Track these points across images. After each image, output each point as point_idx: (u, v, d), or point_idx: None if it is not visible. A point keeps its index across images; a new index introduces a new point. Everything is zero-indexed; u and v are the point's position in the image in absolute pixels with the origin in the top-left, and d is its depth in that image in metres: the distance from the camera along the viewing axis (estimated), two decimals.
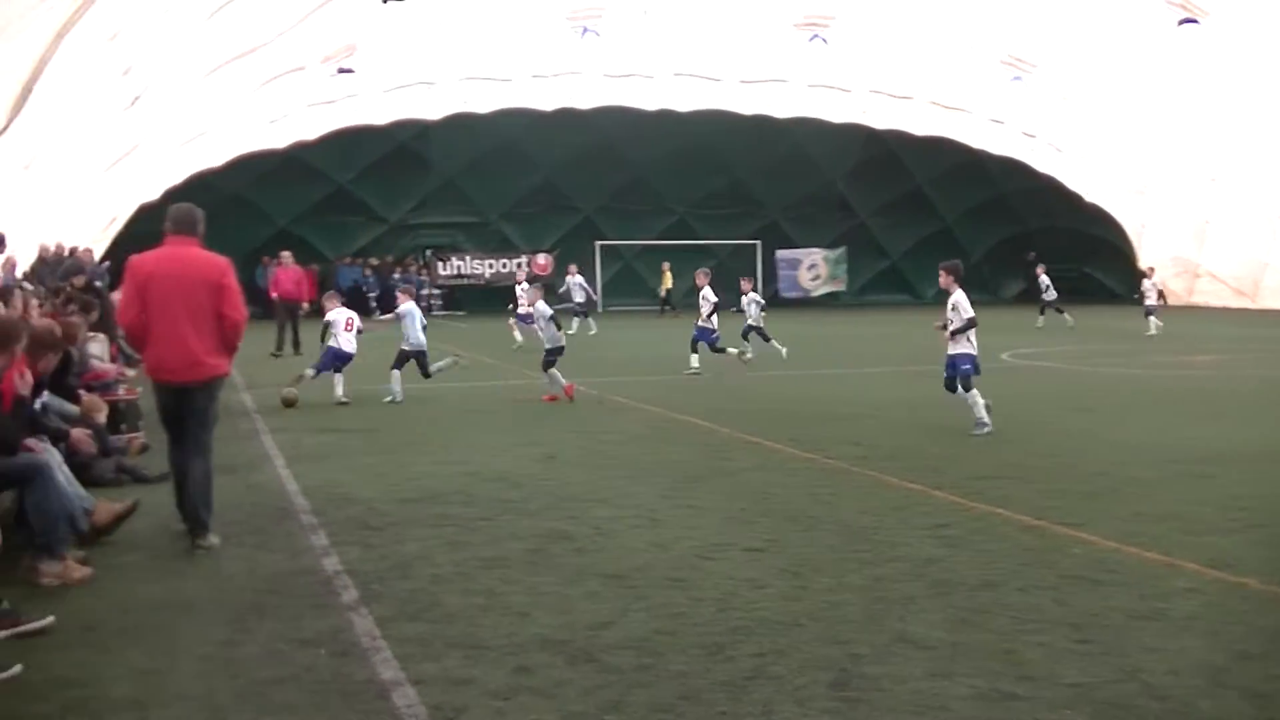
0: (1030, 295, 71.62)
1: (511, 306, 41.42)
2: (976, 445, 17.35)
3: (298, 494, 14.10)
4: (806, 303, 66.13)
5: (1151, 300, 43.78)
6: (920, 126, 66.17)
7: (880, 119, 65.59)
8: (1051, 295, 47.19)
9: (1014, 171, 68.58)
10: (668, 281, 61.89)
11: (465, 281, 64.23)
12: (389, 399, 24.01)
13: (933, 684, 7.59)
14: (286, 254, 39.71)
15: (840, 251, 68.83)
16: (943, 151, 67.59)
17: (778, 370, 29.53)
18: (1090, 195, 67.77)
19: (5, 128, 23.98)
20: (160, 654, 8.40)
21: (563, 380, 23.70)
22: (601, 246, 65.59)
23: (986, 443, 17.56)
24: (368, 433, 19.41)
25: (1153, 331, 41.54)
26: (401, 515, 12.81)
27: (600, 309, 63.51)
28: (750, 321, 32.62)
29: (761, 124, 64.97)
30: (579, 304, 45.52)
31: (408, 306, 25.41)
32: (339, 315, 25.29)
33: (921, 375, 26.41)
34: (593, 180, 65.95)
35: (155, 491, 13.36)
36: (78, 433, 12.42)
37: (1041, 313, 46.99)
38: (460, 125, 61.46)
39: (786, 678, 7.73)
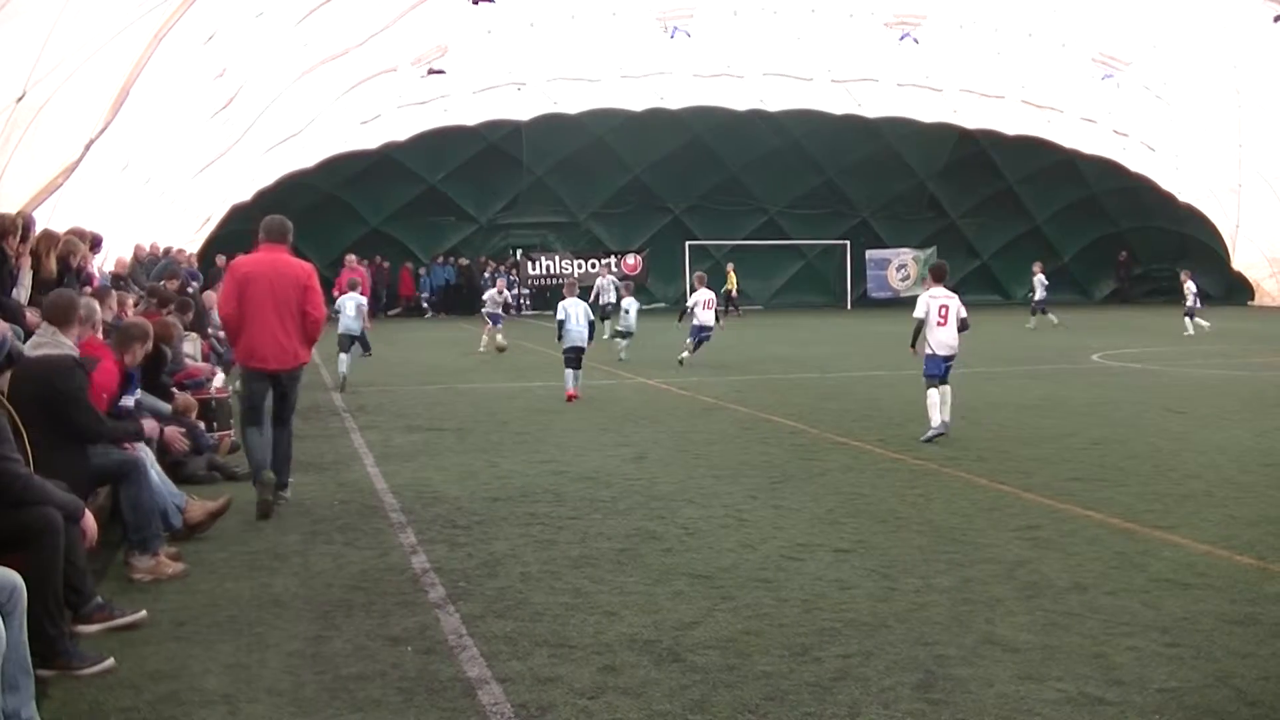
0: (1120, 295, 71.41)
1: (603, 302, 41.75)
2: (1069, 447, 17.19)
3: (386, 492, 14.19)
4: (895, 303, 65.75)
5: (1190, 301, 43.62)
6: (1011, 126, 65.70)
7: (971, 118, 65.19)
8: (1040, 295, 46.85)
9: (1106, 171, 67.90)
10: (732, 282, 62.07)
11: (555, 281, 64.40)
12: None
13: (1020, 687, 7.53)
14: (351, 256, 40.57)
15: (930, 252, 68.32)
16: (1034, 151, 67.03)
17: (865, 371, 29.41)
18: (1184, 195, 66.99)
19: (104, 129, 24.24)
20: (250, 649, 8.48)
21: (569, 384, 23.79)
22: (691, 246, 65.52)
23: (1079, 445, 17.40)
24: (457, 431, 19.49)
25: (1191, 332, 41.42)
26: (489, 514, 12.86)
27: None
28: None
29: (852, 123, 64.74)
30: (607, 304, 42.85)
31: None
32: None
33: (1011, 376, 26.23)
34: (682, 180, 65.90)
35: (247, 489, 13.46)
36: (171, 430, 12.55)
37: (1033, 313, 46.68)
38: (550, 125, 61.65)
39: (872, 679, 7.70)
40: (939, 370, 18.58)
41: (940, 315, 18.79)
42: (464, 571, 10.43)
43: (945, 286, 19.36)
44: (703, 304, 31.95)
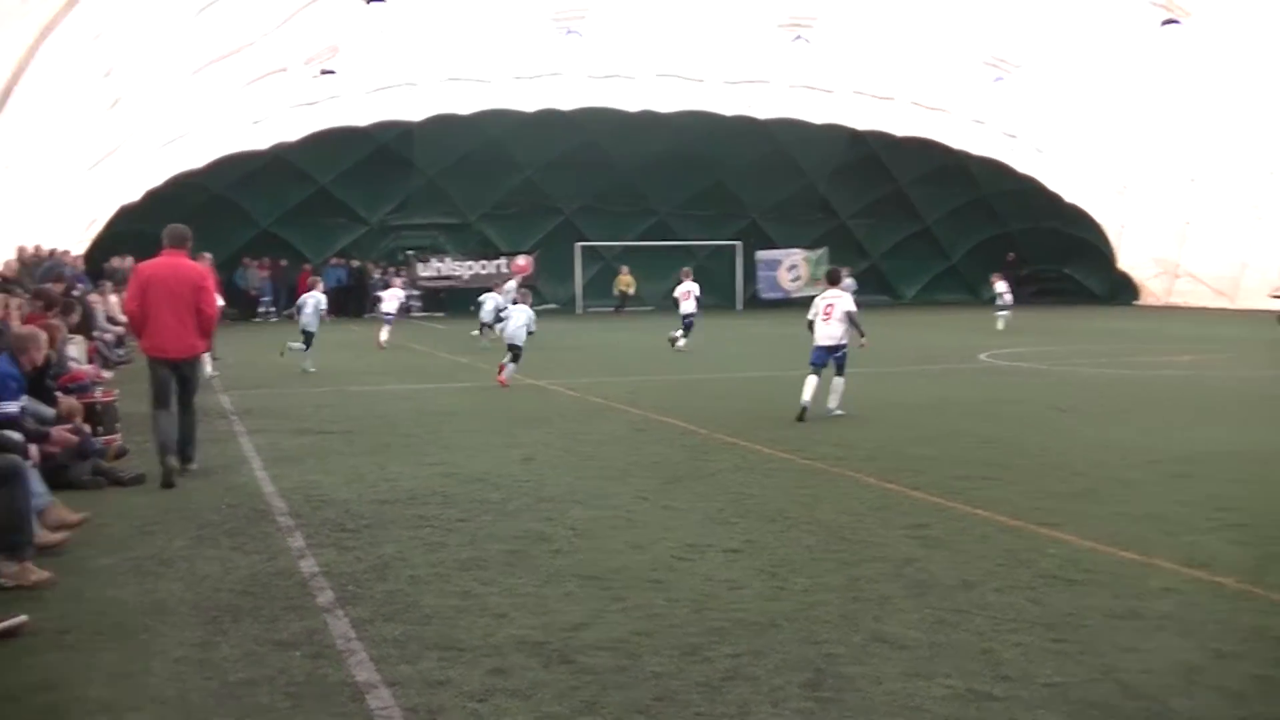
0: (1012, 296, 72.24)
1: (473, 308, 43.48)
2: (958, 446, 17.36)
3: (275, 496, 14.07)
4: (787, 303, 66.04)
5: (1004, 299, 45.20)
6: (902, 127, 66.25)
7: (862, 120, 65.64)
8: (1008, 299, 47.39)
9: (995, 172, 68.64)
10: (625, 283, 62.38)
11: (446, 283, 64.05)
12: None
13: (909, 684, 7.59)
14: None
15: (821, 253, 68.61)
16: (924, 152, 67.61)
17: (756, 371, 29.54)
18: (1071, 196, 67.88)
19: None
20: (135, 657, 8.38)
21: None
22: (582, 248, 65.47)
23: (967, 444, 17.58)
24: (346, 435, 19.36)
25: (1001, 327, 43.59)
26: (379, 517, 12.79)
27: (579, 309, 63.62)
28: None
29: (744, 125, 65.00)
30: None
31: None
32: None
33: (901, 376, 26.43)
34: (574, 181, 65.79)
35: (129, 496, 13.32)
36: (59, 429, 12.40)
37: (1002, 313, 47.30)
38: (442, 126, 61.37)
39: (762, 678, 7.73)
40: (821, 360, 21.03)
41: (825, 312, 21.30)
42: (353, 575, 10.37)
43: (836, 288, 21.89)
44: (683, 295, 37.15)
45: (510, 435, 18.97)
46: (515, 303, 30.33)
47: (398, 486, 14.55)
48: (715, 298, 67.28)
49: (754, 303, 67.08)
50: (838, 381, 21.07)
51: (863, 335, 21.46)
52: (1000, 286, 46.55)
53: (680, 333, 36.67)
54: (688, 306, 37.17)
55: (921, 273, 70.93)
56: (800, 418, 20.19)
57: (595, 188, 66.58)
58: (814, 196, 70.35)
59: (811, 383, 20.68)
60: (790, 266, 67.93)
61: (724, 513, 12.81)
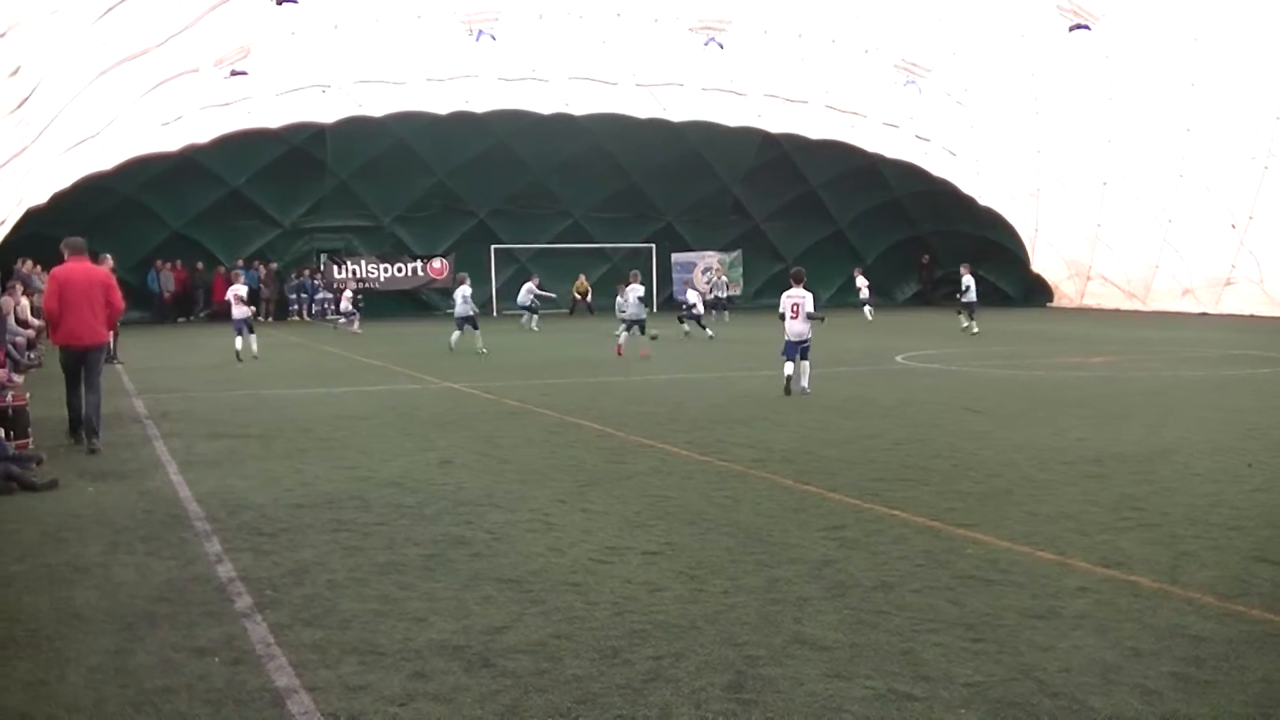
0: (922, 298, 72.71)
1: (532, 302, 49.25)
2: (872, 448, 17.47)
3: (190, 500, 13.96)
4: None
5: (969, 296, 45.37)
6: (815, 130, 66.50)
7: (776, 122, 65.90)
8: (972, 297, 46.69)
9: (909, 175, 69.05)
10: (580, 288, 62.70)
11: (361, 285, 63.72)
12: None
13: (829, 685, 7.63)
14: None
15: (735, 255, 68.92)
16: (838, 155, 67.87)
17: (675, 374, 29.62)
18: (984, 199, 68.37)
19: None
20: (49, 665, 8.28)
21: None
22: (496, 250, 65.33)
23: (883, 446, 17.68)
24: (262, 438, 19.26)
25: (971, 328, 44.15)
26: (296, 521, 12.73)
27: (495, 312, 63.46)
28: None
29: (657, 127, 65.05)
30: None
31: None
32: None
33: (816, 378, 26.54)
34: (488, 184, 65.65)
35: (41, 501, 13.18)
36: None
37: (969, 316, 46.61)
38: (355, 128, 61.09)
39: (684, 680, 7.75)
40: (791, 353, 24.65)
41: (791, 311, 24.82)
42: (270, 580, 10.30)
43: (801, 287, 25.21)
44: (634, 298, 39.02)
45: (426, 439, 18.93)
46: (628, 284, 39.51)
47: (314, 490, 14.48)
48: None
49: (670, 305, 67.19)
50: (804, 365, 24.81)
51: (822, 320, 25.88)
52: (968, 281, 46.11)
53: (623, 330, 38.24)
54: (635, 310, 38.78)
55: (835, 275, 71.26)
56: (787, 390, 24.27)
57: (509, 190, 66.46)
58: (728, 199, 70.54)
59: (789, 365, 24.60)
60: (705, 269, 68.06)
61: (642, 515, 12.83)
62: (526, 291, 53.60)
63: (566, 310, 63.78)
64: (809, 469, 15.62)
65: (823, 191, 71.05)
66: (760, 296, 69.25)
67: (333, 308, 62.08)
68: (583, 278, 65.57)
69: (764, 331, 46.39)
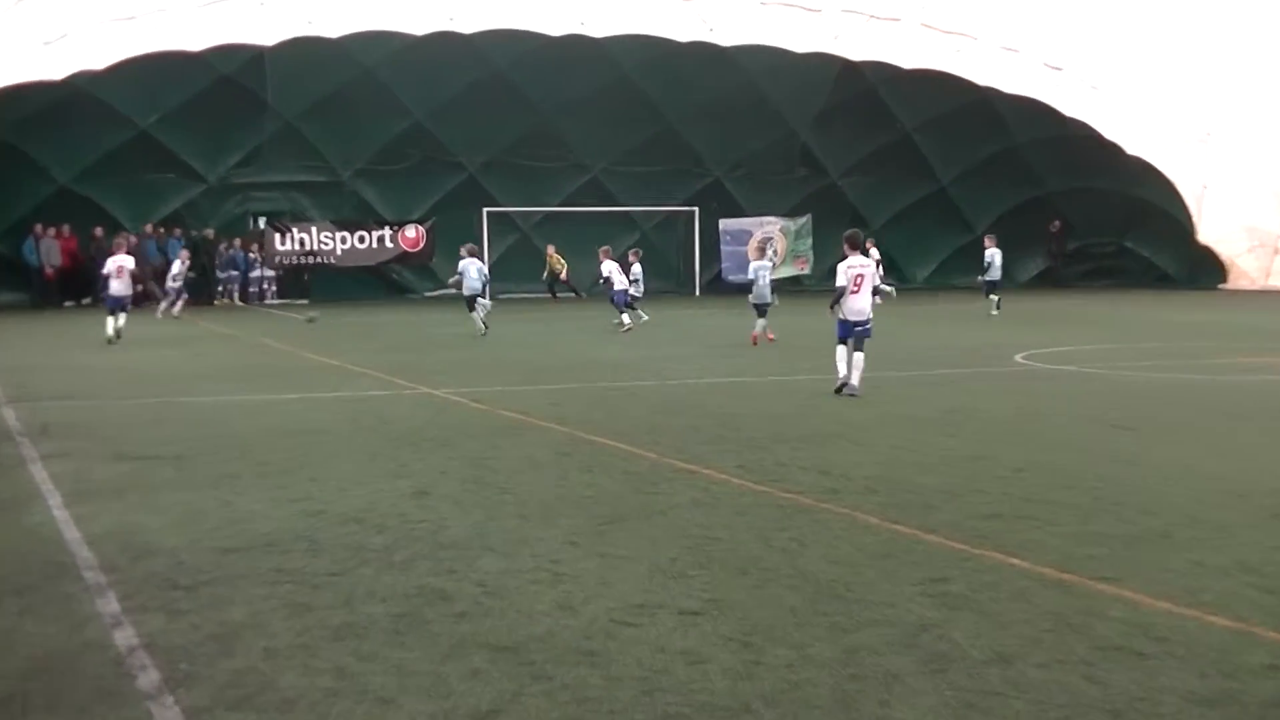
0: (1051, 277, 72.46)
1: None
2: (983, 476, 17.39)
3: (80, 543, 13.92)
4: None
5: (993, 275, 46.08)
6: (910, 57, 66.39)
7: (857, 47, 65.83)
8: (996, 275, 47.98)
9: (1033, 116, 68.84)
10: (554, 264, 62.54)
11: (312, 260, 63.76)
12: None
13: None
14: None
15: (804, 222, 68.79)
16: (939, 89, 67.76)
17: (722, 376, 29.61)
18: (1134, 146, 67.97)
19: None
20: None
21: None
22: (491, 215, 65.35)
23: (997, 473, 17.61)
24: (178, 460, 19.24)
25: (994, 312, 45.37)
26: (223, 570, 12.70)
27: (488, 295, 63.55)
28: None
29: (701, 54, 64.99)
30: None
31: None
32: None
33: (908, 383, 26.48)
34: (479, 128, 65.59)
35: None
36: None
37: (990, 294, 48.00)
38: (303, 53, 61.06)
39: None
40: (847, 332, 25.41)
41: (854, 283, 25.65)
42: (187, 648, 10.27)
43: (861, 254, 26.24)
44: (617, 271, 43.83)
45: (398, 461, 18.93)
46: (757, 260, 40.99)
47: (249, 530, 14.45)
48: (665, 281, 67.19)
49: (716, 286, 67.16)
50: (858, 358, 25.32)
51: (892, 294, 26.03)
52: (992, 253, 47.21)
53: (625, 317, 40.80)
54: (621, 281, 43.09)
55: (935, 249, 71.08)
56: (839, 391, 25.17)
57: (507, 137, 66.48)
58: (794, 148, 70.48)
59: (843, 353, 25.36)
60: (764, 240, 67.96)
61: (679, 563, 12.78)
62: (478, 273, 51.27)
63: (547, 294, 63.92)
64: (899, 502, 15.56)
65: (919, 137, 71.01)
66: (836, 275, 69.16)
67: (272, 289, 62.35)
68: (553, 251, 65.04)
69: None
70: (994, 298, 48.39)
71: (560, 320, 48.72)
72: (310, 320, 44.73)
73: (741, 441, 20.35)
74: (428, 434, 21.53)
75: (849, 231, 27.57)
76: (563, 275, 64.46)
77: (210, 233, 63.23)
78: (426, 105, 64.68)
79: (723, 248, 68.34)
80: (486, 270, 43.83)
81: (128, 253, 39.90)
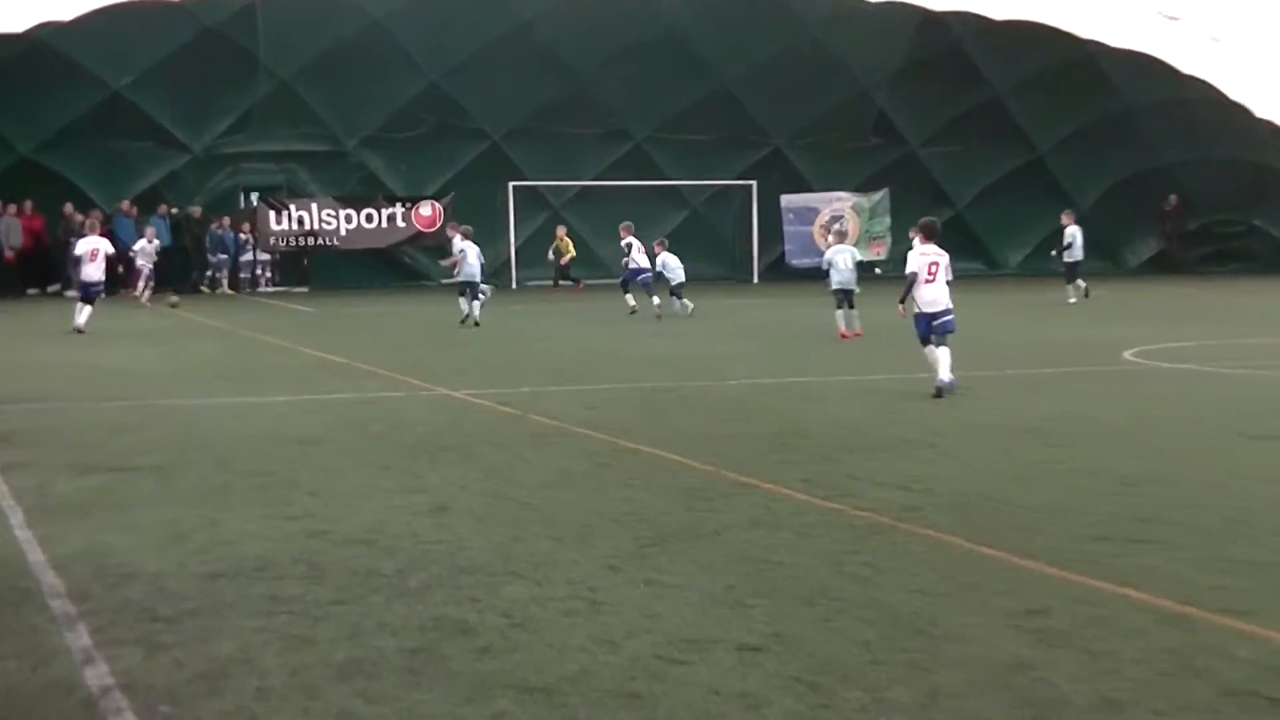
0: (1165, 261, 72.20)
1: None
2: (1089, 492, 17.34)
3: (44, 567, 13.94)
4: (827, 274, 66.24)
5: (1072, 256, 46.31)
6: (1001, 6, 66.27)
7: None
8: (1077, 256, 48.16)
9: (1145, 74, 68.62)
10: (562, 248, 62.55)
11: (312, 242, 63.79)
12: None
13: None
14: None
15: (880, 198, 68.68)
16: (1036, 43, 67.69)
17: (782, 377, 29.60)
18: (1263, 108, 67.67)
19: None
20: None
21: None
22: (518, 189, 65.34)
23: (1104, 488, 17.54)
24: (158, 472, 19.27)
25: (1074, 299, 46.13)
26: (210, 598, 12.71)
27: (514, 282, 63.64)
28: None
29: (760, 3, 64.96)
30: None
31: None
32: None
33: (1001, 384, 26.44)
34: (504, 90, 65.57)
35: None
36: None
37: (1071, 280, 48.18)
38: (301, 2, 61.18)
39: None
40: (926, 328, 26.26)
41: (929, 271, 26.34)
42: (169, 688, 10.29)
43: (935, 244, 26.93)
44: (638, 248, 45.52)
45: (411, 473, 18.98)
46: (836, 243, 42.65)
47: (240, 552, 14.46)
48: (718, 266, 67.18)
49: (777, 272, 67.13)
50: (943, 352, 25.95)
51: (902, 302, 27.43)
52: (1073, 232, 47.48)
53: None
54: (642, 260, 45.78)
55: (1030, 229, 70.94)
56: (938, 392, 25.50)
57: (536, 100, 66.50)
58: (868, 112, 70.38)
59: (935, 354, 26.05)
60: (833, 219, 67.92)
61: (737, 591, 12.77)
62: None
63: (550, 282, 64.01)
64: (990, 522, 15.54)
65: (1012, 100, 70.84)
66: None
67: (266, 275, 62.49)
68: (563, 234, 64.85)
69: None
70: (1081, 284, 48.49)
71: (596, 312, 48.73)
72: (173, 305, 45.41)
73: (808, 451, 20.37)
74: (445, 442, 21.58)
75: (925, 220, 28.49)
76: (564, 260, 64.21)
77: (197, 210, 63.33)
78: (443, 63, 64.75)
79: (785, 227, 68.32)
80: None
81: (102, 234, 39.91)
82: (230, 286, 62.87)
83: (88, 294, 40.18)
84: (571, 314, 48.61)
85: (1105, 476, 18.29)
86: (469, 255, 42.50)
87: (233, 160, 65.17)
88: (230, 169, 65.23)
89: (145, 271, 52.09)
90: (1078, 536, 14.74)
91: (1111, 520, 15.57)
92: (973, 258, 70.31)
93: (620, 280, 48.55)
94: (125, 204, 61.83)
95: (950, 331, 26.26)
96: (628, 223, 49.48)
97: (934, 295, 26.25)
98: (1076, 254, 48.68)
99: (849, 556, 14.01)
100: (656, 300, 45.23)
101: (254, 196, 64.73)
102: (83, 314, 38.77)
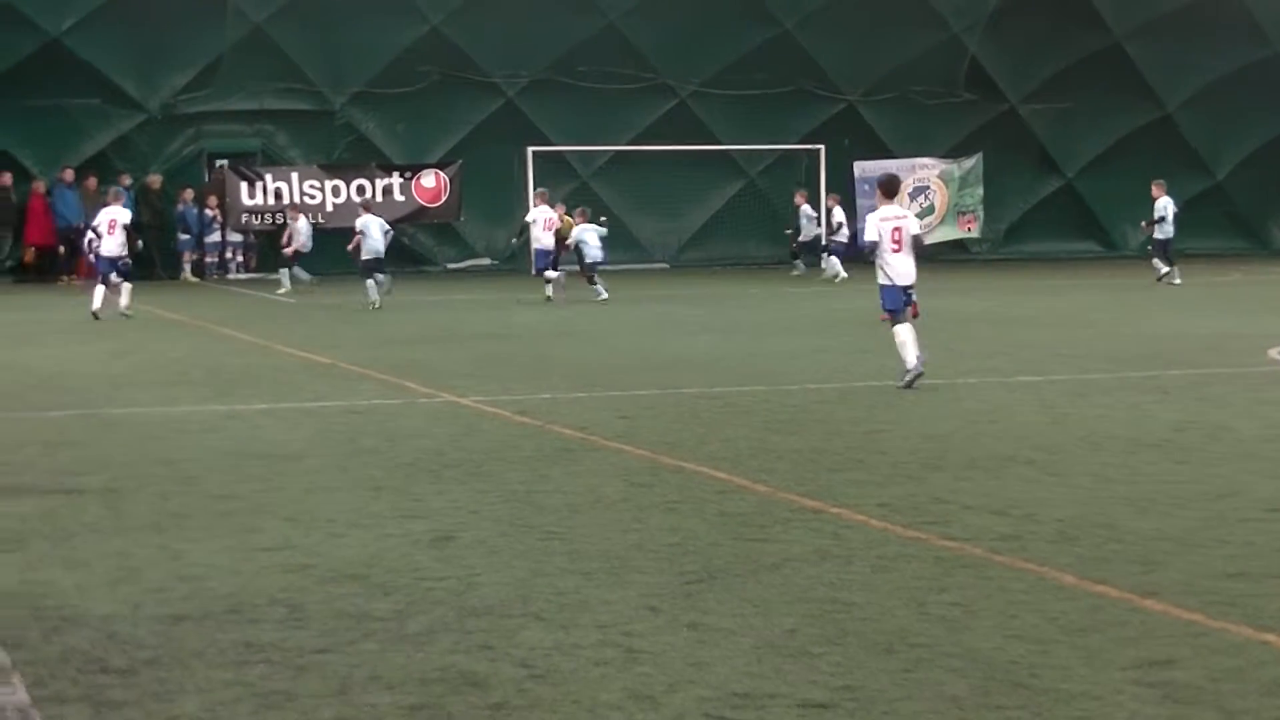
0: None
1: None
2: (1225, 518, 17.32)
3: None
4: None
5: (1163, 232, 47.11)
6: None
7: None
8: (1168, 232, 48.64)
9: None
10: (566, 228, 62.64)
11: (287, 219, 63.79)
12: None
13: None
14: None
15: (972, 165, 68.53)
16: None
17: (852, 380, 29.63)
18: None
19: None
20: None
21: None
22: (538, 155, 65.32)
23: (1244, 514, 17.51)
24: (108, 495, 19.33)
25: (1167, 275, 47.76)
26: (170, 646, 12.74)
27: (534, 266, 63.69)
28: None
29: None
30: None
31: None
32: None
33: (1118, 388, 26.47)
34: (520, 36, 65.61)
35: None
36: None
37: (1166, 261, 48.56)
38: None
39: None
40: (899, 303, 27.51)
41: (894, 240, 27.58)
42: None
43: (897, 204, 28.82)
44: (543, 223, 46.75)
45: (411, 496, 19.04)
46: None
47: (205, 590, 14.51)
48: (779, 247, 67.09)
49: (852, 251, 67.04)
50: (914, 331, 27.66)
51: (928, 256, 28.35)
52: (1164, 203, 47.97)
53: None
54: (547, 240, 48.47)
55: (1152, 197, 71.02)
56: (910, 385, 27.04)
57: (559, 48, 66.53)
58: (958, 62, 70.28)
59: (907, 334, 27.38)
60: (917, 188, 67.83)
61: (799, 636, 12.80)
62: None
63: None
64: (1106, 555, 15.52)
65: (1133, 47, 70.68)
66: (1016, 239, 69.08)
67: (238, 259, 62.61)
68: (565, 214, 64.51)
69: (1022, 304, 46.36)
70: (1170, 263, 49.00)
71: (629, 302, 48.77)
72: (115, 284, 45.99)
73: (885, 469, 20.41)
74: (451, 458, 21.64)
75: (885, 175, 30.60)
76: (568, 241, 64.01)
77: (156, 180, 63.40)
78: (447, 4, 64.82)
79: (860, 200, 68.08)
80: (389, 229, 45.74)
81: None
82: (194, 273, 62.95)
83: (107, 270, 42.81)
84: (597, 305, 48.60)
85: (1244, 500, 18.28)
86: (371, 230, 44.65)
87: (196, 121, 65.21)
88: (192, 131, 65.29)
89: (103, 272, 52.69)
90: (1210, 572, 14.73)
91: (1251, 553, 15.56)
92: (1084, 236, 70.36)
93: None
94: (68, 173, 61.89)
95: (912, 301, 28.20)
96: (542, 189, 53.32)
97: (904, 268, 27.60)
98: (1169, 229, 49.06)
99: (935, 596, 14.02)
100: (550, 290, 48.35)
101: (221, 164, 64.73)
102: (97, 295, 41.12)
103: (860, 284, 46.14)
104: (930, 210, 66.95)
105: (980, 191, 68.34)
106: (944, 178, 67.40)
